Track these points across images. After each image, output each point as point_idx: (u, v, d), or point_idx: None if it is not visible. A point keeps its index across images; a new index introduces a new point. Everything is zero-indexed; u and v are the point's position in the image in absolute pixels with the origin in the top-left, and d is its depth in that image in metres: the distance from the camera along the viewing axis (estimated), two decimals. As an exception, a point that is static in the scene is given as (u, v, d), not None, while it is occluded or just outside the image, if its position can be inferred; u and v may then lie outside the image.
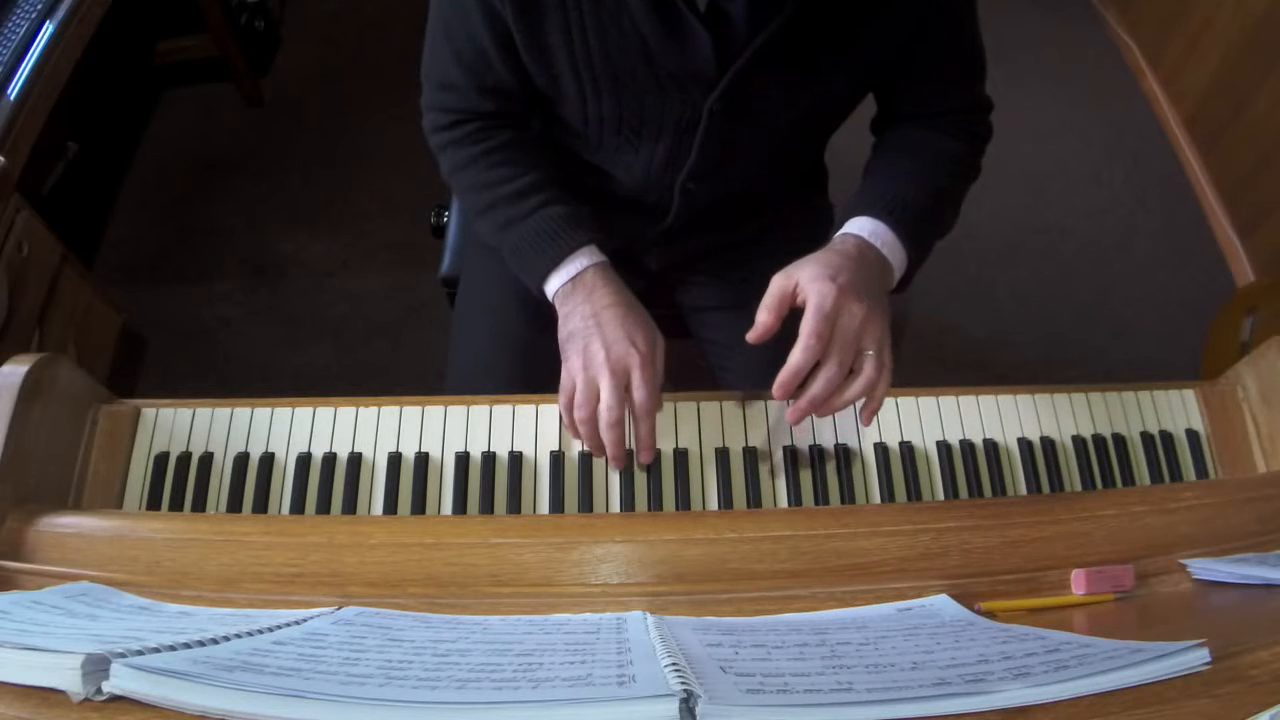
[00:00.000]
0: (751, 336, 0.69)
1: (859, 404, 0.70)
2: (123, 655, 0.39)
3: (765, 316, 0.69)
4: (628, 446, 0.74)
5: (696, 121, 0.78)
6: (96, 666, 0.38)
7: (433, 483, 0.75)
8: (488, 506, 0.74)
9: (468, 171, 0.84)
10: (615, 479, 0.76)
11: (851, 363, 0.68)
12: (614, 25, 0.71)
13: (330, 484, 0.75)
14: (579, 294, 0.77)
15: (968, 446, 0.78)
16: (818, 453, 0.77)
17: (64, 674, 0.38)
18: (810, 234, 0.87)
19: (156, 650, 0.42)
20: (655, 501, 0.75)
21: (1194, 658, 0.38)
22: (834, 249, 0.73)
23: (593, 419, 0.72)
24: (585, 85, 0.76)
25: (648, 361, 0.73)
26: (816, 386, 0.66)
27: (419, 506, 0.74)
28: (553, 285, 0.79)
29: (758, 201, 0.95)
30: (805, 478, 0.76)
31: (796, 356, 0.66)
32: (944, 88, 0.84)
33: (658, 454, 0.76)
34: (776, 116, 0.81)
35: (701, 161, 0.83)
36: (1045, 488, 0.77)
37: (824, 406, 0.67)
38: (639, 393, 0.73)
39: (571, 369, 0.75)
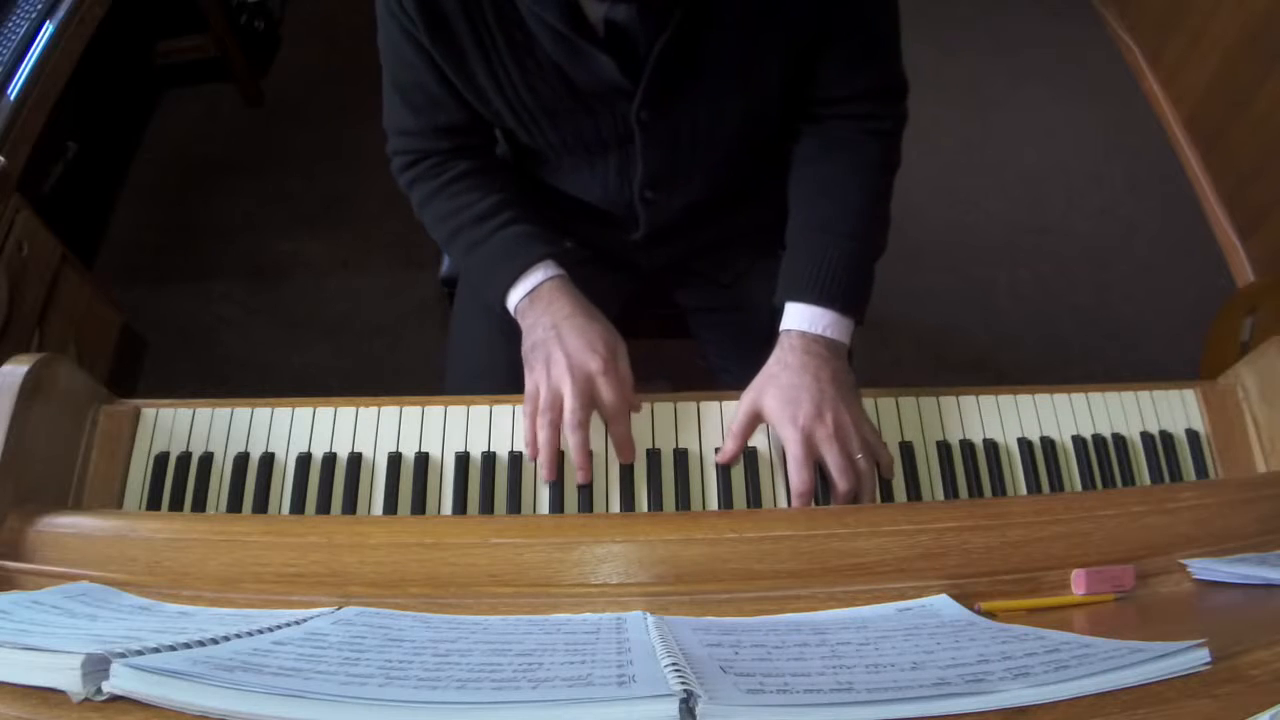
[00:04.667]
0: (719, 460, 0.75)
1: None
2: (123, 655, 0.39)
3: (733, 445, 0.75)
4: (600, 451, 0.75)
5: (631, 134, 0.79)
6: (96, 666, 0.38)
7: (433, 483, 0.75)
8: (488, 506, 0.74)
9: (432, 204, 0.86)
10: (616, 479, 0.76)
11: (850, 465, 0.73)
12: (529, 57, 0.73)
13: (330, 484, 0.75)
14: (538, 307, 0.80)
15: (968, 446, 0.78)
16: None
17: (64, 674, 0.38)
18: None
19: (156, 650, 0.42)
20: (655, 501, 0.75)
21: (1194, 658, 0.38)
22: (785, 363, 0.76)
23: (556, 425, 0.74)
24: (522, 117, 0.78)
25: (609, 366, 0.76)
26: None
27: (419, 506, 0.74)
28: (513, 300, 0.81)
29: (732, 200, 0.95)
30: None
31: (797, 503, 0.72)
32: (857, 71, 0.80)
33: (658, 454, 0.76)
34: (711, 116, 0.80)
35: (650, 171, 0.84)
36: (1045, 488, 0.77)
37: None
38: (606, 395, 0.75)
39: (535, 378, 0.77)
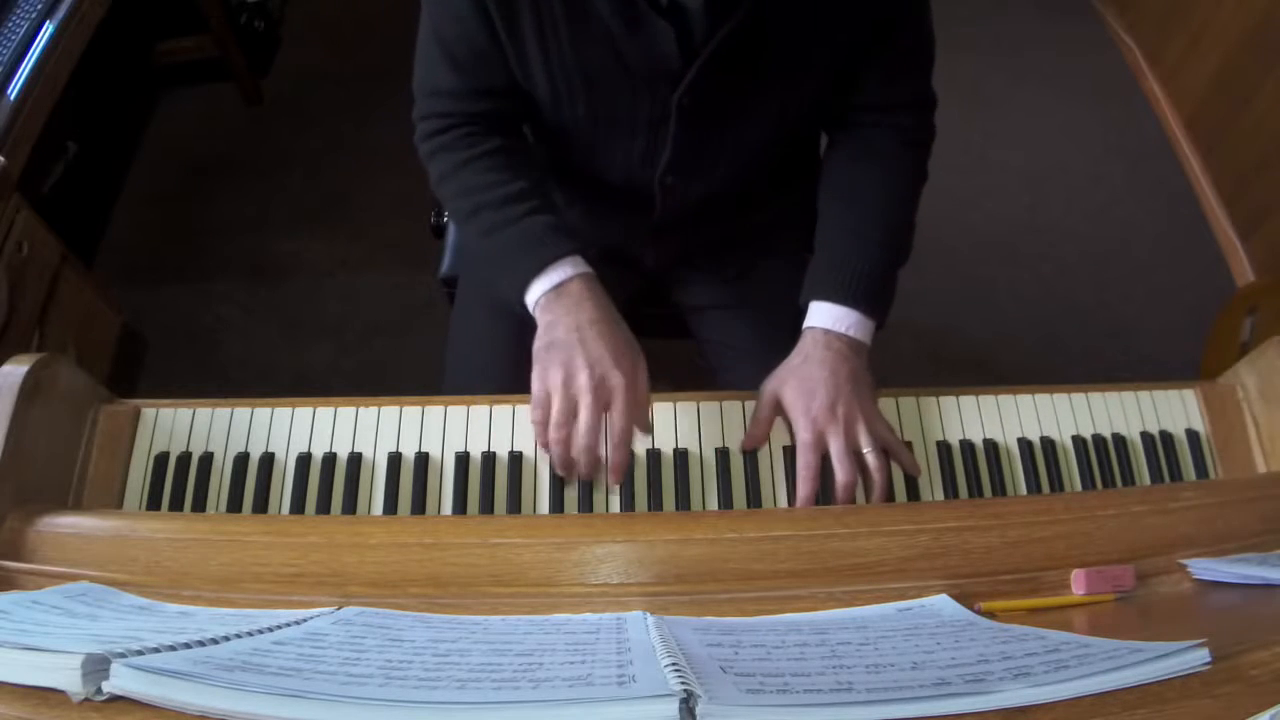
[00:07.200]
0: (744, 445, 0.77)
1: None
2: (123, 655, 0.39)
3: (758, 430, 0.77)
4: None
5: (666, 117, 0.79)
6: (96, 666, 0.38)
7: (433, 483, 0.75)
8: (488, 506, 0.74)
9: (457, 176, 0.82)
10: (615, 479, 0.75)
11: (857, 462, 0.74)
12: (582, 24, 0.72)
13: (330, 484, 0.75)
14: (563, 304, 0.75)
15: (968, 446, 0.78)
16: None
17: (64, 674, 0.38)
18: (804, 234, 0.87)
19: (156, 650, 0.42)
20: (655, 501, 0.75)
21: (1194, 658, 0.39)
22: (807, 356, 0.77)
23: (567, 440, 0.72)
24: (559, 85, 0.78)
25: (630, 386, 0.72)
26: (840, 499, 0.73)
27: (419, 506, 0.74)
28: (535, 293, 0.76)
29: (747, 198, 0.95)
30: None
31: (802, 490, 0.73)
32: (896, 82, 0.84)
33: (658, 454, 0.76)
34: (747, 115, 0.81)
35: (677, 157, 0.83)
36: (1045, 488, 0.77)
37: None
38: (618, 419, 0.72)
39: (549, 383, 0.73)
